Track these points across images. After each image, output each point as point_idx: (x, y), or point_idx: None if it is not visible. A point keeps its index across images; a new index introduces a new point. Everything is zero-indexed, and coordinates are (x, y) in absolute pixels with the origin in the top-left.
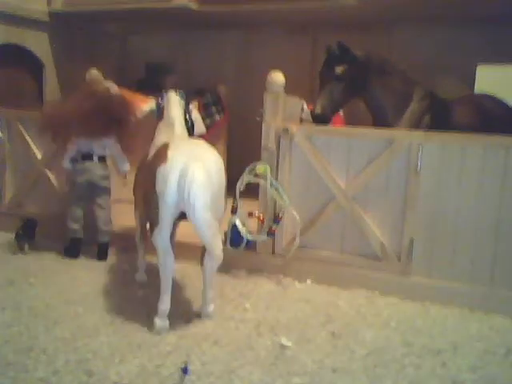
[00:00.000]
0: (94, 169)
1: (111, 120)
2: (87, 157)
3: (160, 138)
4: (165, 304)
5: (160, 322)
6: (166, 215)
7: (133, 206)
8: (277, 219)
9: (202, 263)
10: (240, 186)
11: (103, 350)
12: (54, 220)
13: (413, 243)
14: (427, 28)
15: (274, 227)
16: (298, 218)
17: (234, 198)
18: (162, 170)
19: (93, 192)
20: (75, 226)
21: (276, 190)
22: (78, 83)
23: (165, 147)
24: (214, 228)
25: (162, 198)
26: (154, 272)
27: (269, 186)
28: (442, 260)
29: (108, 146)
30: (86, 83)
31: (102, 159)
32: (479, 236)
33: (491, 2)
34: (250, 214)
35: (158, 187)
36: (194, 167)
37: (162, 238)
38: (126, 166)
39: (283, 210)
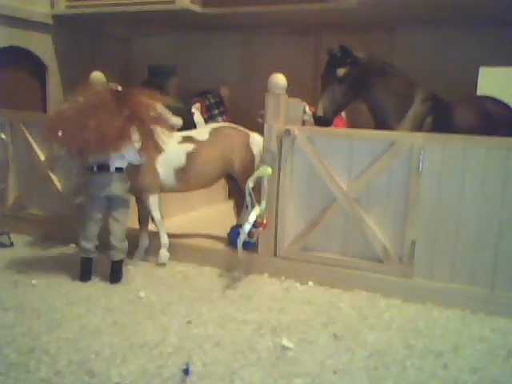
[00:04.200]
0: (114, 180)
1: (126, 121)
2: (104, 167)
3: None
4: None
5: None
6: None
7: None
8: (256, 224)
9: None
10: (248, 188)
11: (105, 350)
12: (57, 222)
13: (415, 245)
14: (429, 30)
15: (253, 231)
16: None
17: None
18: None
19: (110, 205)
20: (88, 246)
21: (249, 195)
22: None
23: None
24: None
25: None
26: (156, 270)
27: (248, 189)
28: (444, 262)
29: (128, 154)
30: (85, 86)
31: (120, 169)
32: (481, 238)
33: (494, 4)
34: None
35: None
36: None
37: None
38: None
39: (262, 216)
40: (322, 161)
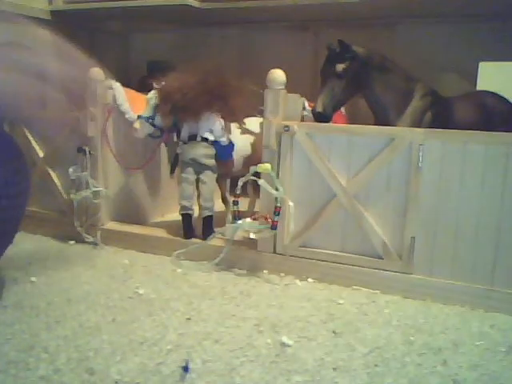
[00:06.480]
0: (198, 147)
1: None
2: (193, 137)
3: None
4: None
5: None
6: None
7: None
8: (277, 211)
9: None
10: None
11: (104, 348)
12: (56, 219)
13: (414, 241)
14: (430, 25)
15: (276, 219)
16: (292, 204)
17: (234, 202)
18: None
19: (199, 171)
20: (187, 203)
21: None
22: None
23: None
24: None
25: None
26: (155, 267)
27: (263, 183)
28: (444, 258)
29: (211, 126)
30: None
31: (205, 140)
32: (481, 234)
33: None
34: (255, 218)
35: None
36: None
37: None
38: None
39: (280, 200)
40: (321, 157)
